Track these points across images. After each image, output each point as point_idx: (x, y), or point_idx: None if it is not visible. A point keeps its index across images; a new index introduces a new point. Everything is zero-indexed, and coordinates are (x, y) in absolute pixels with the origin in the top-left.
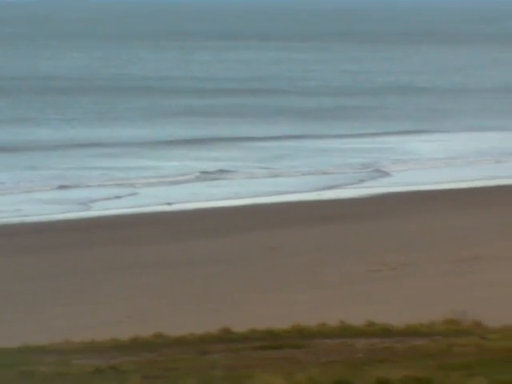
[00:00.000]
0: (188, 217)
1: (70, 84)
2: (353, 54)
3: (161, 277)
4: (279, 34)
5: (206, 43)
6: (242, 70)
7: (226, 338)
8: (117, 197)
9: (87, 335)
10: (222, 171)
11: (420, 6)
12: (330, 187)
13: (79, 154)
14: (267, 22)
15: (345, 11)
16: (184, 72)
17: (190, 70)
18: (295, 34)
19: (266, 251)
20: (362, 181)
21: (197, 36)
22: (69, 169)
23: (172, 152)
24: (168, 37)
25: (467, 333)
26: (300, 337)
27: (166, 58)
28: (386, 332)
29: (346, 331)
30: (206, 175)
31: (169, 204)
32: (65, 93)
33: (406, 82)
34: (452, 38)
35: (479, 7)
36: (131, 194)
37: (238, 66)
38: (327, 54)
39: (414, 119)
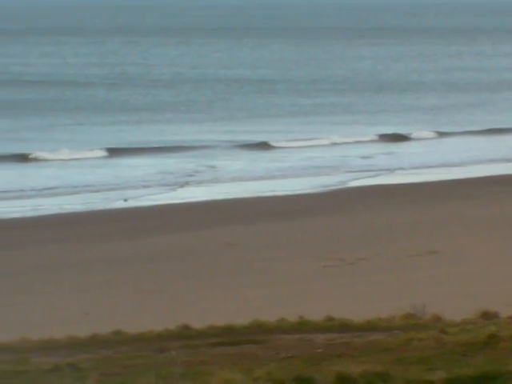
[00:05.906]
0: (143, 214)
1: None
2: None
3: (118, 274)
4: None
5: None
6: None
7: (184, 334)
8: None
9: (44, 333)
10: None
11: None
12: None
13: None
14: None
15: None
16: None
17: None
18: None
19: (223, 248)
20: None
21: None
22: None
23: None
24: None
25: (426, 327)
26: (259, 332)
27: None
28: (345, 327)
29: (304, 326)
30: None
31: (125, 200)
32: None
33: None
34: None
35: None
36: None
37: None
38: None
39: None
